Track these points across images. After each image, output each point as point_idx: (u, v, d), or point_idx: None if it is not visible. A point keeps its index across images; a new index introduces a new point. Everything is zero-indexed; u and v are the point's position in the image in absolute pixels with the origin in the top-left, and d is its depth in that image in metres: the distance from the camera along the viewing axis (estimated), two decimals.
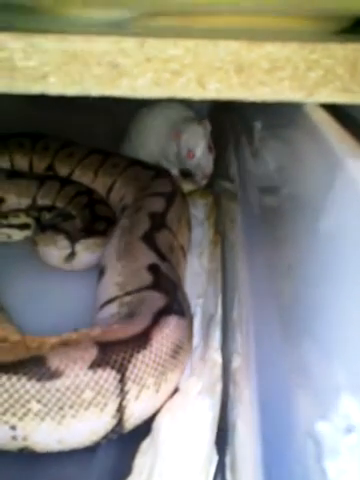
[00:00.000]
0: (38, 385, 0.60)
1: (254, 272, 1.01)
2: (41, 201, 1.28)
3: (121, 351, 0.65)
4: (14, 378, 0.60)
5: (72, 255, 1.02)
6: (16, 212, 1.14)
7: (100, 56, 0.55)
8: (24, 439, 0.61)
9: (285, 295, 0.65)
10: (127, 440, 0.67)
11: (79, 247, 1.02)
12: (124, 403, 0.64)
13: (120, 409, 0.64)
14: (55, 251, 1.02)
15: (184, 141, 1.33)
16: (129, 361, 0.65)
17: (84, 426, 0.62)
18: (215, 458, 0.60)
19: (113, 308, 0.79)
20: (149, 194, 1.10)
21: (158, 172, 1.22)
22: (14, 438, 0.61)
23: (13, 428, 0.61)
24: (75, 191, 1.27)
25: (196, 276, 1.01)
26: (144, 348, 0.66)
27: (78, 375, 0.62)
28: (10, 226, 1.11)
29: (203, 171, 1.32)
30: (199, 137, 1.33)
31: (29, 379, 0.60)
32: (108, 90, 0.55)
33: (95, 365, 0.63)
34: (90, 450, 0.65)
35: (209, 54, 0.55)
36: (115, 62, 0.55)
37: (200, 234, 1.21)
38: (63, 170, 1.42)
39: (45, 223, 1.10)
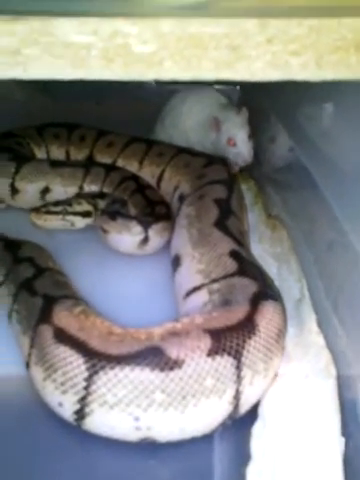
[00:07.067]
0: (162, 375, 0.60)
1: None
2: (88, 188, 1.25)
3: (233, 338, 0.65)
4: (137, 369, 0.60)
5: (145, 240, 1.01)
6: (79, 199, 1.12)
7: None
8: (148, 429, 0.61)
9: None
10: (237, 425, 0.67)
11: (152, 232, 1.01)
12: (240, 389, 0.64)
13: (237, 395, 0.64)
14: (129, 237, 1.01)
15: (224, 130, 1.32)
16: (243, 347, 0.65)
17: (205, 413, 0.63)
18: (342, 440, 0.60)
19: (202, 296, 0.79)
20: (208, 182, 1.09)
21: (210, 159, 1.21)
22: (137, 429, 0.61)
23: (137, 419, 0.61)
24: (120, 177, 1.25)
25: (261, 260, 1.01)
26: (254, 334, 0.66)
27: (199, 363, 0.62)
28: (75, 213, 1.10)
29: (244, 158, 1.31)
30: (239, 126, 1.32)
31: (152, 370, 0.60)
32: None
33: (212, 353, 0.63)
34: (207, 437, 0.65)
35: (332, 32, 0.54)
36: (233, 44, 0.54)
37: (252, 219, 1.21)
38: (104, 160, 1.40)
39: (107, 210, 1.08)
